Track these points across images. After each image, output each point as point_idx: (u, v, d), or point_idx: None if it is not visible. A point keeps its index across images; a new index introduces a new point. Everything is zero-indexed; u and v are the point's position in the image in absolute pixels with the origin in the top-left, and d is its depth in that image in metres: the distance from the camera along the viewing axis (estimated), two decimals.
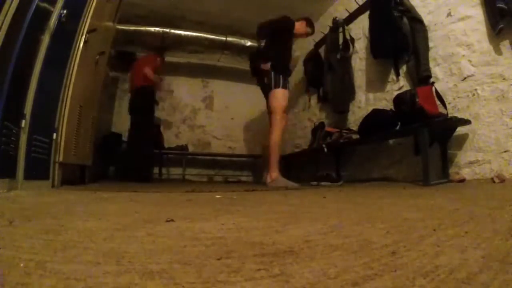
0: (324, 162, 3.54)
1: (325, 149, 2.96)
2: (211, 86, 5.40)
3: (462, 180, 2.02)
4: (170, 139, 4.89)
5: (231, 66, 4.92)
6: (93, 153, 2.63)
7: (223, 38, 4.43)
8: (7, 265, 0.41)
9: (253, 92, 5.53)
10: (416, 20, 2.52)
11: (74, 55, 2.00)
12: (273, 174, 2.74)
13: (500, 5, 1.88)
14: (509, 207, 1.00)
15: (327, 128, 3.21)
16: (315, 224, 0.75)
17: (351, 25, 3.51)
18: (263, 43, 3.14)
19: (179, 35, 4.26)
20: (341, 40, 3.47)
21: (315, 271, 0.41)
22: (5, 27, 1.30)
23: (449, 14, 2.37)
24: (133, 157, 3.56)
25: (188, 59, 4.76)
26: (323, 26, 3.98)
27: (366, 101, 3.25)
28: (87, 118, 2.38)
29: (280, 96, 2.87)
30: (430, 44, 2.49)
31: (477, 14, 2.13)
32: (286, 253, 0.49)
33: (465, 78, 2.21)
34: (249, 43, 4.54)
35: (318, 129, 3.72)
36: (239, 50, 4.53)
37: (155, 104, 4.01)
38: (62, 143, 1.91)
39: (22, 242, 0.53)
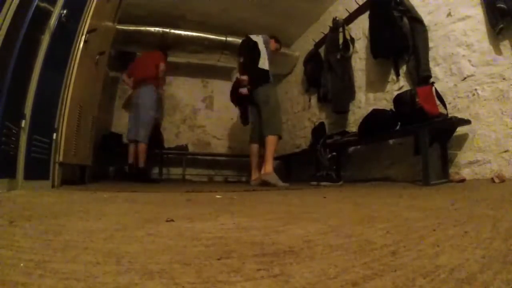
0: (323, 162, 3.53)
1: (330, 155, 2.99)
2: (211, 86, 5.40)
3: (462, 180, 2.02)
4: (170, 139, 4.89)
5: (231, 66, 4.91)
6: (93, 153, 2.63)
7: (223, 38, 4.43)
8: (7, 265, 0.41)
9: None
10: (416, 20, 2.52)
11: (74, 55, 2.00)
12: (268, 168, 2.83)
13: (500, 5, 1.88)
14: (509, 207, 1.00)
15: (328, 141, 3.23)
16: (315, 224, 0.75)
17: (351, 25, 3.51)
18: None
19: (179, 35, 4.26)
20: (341, 40, 3.47)
21: (315, 271, 0.41)
22: (5, 27, 1.30)
23: (449, 14, 2.37)
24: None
25: (188, 59, 4.76)
26: (323, 26, 3.99)
27: (366, 101, 3.25)
28: (87, 118, 2.38)
29: None
30: (430, 44, 2.49)
31: (477, 14, 2.13)
32: (286, 253, 0.49)
33: (465, 78, 2.21)
34: None
35: (318, 129, 3.73)
36: None
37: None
38: (62, 143, 1.90)
39: (22, 242, 0.53)
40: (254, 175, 3.14)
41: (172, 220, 0.76)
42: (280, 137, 3.01)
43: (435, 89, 2.15)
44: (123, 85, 4.73)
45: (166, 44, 4.19)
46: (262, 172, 2.87)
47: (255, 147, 3.22)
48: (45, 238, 0.56)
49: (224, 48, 4.50)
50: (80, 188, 1.96)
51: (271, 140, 2.91)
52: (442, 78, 2.39)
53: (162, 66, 3.73)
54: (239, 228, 0.70)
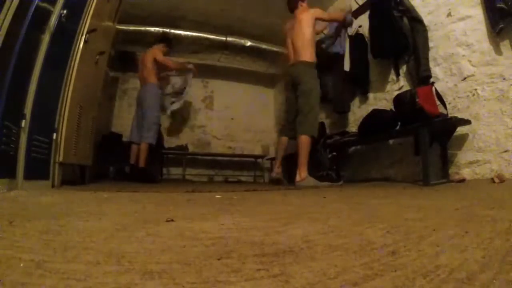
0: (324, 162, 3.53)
1: (330, 155, 2.98)
2: (211, 86, 5.40)
3: (462, 180, 2.02)
4: (170, 139, 4.89)
5: (231, 66, 4.92)
6: (93, 153, 2.63)
7: (223, 38, 4.43)
8: (7, 265, 0.41)
9: (253, 92, 5.58)
10: (416, 20, 2.52)
11: (74, 55, 2.00)
12: (303, 174, 2.69)
13: (500, 5, 1.88)
14: (509, 207, 1.00)
15: (328, 141, 3.22)
16: (315, 224, 0.75)
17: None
18: None
19: (179, 35, 4.26)
20: None
21: (315, 271, 0.41)
22: (5, 27, 1.30)
23: (449, 14, 2.37)
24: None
25: (188, 59, 4.76)
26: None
27: (366, 101, 3.25)
28: (87, 118, 2.38)
29: None
30: (430, 44, 2.49)
31: (477, 14, 2.13)
32: (286, 253, 0.49)
33: (465, 78, 2.21)
34: (249, 43, 4.53)
35: (318, 129, 3.72)
36: (239, 50, 4.53)
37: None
38: (62, 143, 1.90)
39: (22, 242, 0.53)
40: (278, 168, 3.04)
41: (172, 220, 0.76)
42: (313, 137, 2.83)
43: (435, 89, 2.15)
44: (123, 85, 4.74)
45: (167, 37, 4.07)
46: (297, 178, 2.69)
47: (285, 140, 3.05)
48: (45, 238, 0.56)
49: (224, 48, 4.50)
50: (80, 188, 1.96)
51: (305, 141, 2.74)
52: (442, 78, 2.39)
53: (159, 56, 3.59)
54: (239, 228, 0.70)
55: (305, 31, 2.87)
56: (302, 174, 2.68)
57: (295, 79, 2.91)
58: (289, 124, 3.07)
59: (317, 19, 2.93)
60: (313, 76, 2.90)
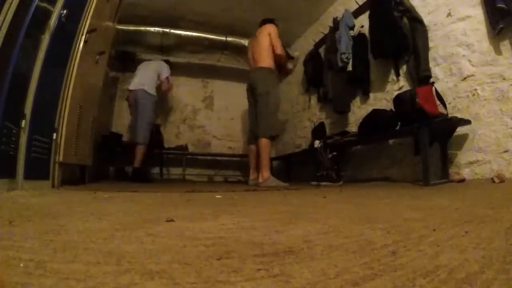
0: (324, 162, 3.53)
1: (330, 155, 2.98)
2: (211, 86, 5.40)
3: (462, 180, 2.02)
4: (170, 139, 4.89)
5: (231, 66, 4.92)
6: (93, 153, 2.63)
7: (223, 38, 4.43)
8: (7, 265, 0.41)
9: None
10: (416, 20, 2.52)
11: (74, 55, 2.00)
12: (265, 174, 2.77)
13: (500, 5, 1.88)
14: (509, 207, 1.00)
15: (328, 141, 3.23)
16: (315, 224, 0.75)
17: None
18: None
19: (179, 35, 4.27)
20: None
21: (315, 271, 0.41)
22: (5, 27, 1.30)
23: (449, 14, 2.37)
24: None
25: (188, 59, 4.76)
26: (323, 26, 3.99)
27: (366, 101, 3.25)
28: (87, 118, 2.38)
29: None
30: (430, 44, 2.49)
31: (477, 14, 2.13)
32: (286, 253, 0.49)
33: (465, 78, 2.21)
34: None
35: (318, 129, 3.73)
36: (239, 50, 4.52)
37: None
38: (62, 143, 1.90)
39: (22, 242, 0.53)
40: (253, 175, 3.13)
41: (172, 220, 0.76)
42: (274, 137, 2.91)
43: (435, 89, 2.15)
44: (123, 85, 4.74)
45: (166, 47, 4.16)
46: (260, 179, 2.78)
47: (253, 148, 3.16)
48: (45, 238, 0.56)
49: (224, 48, 4.50)
50: (80, 188, 1.96)
51: (264, 144, 2.81)
52: (442, 78, 2.39)
53: (164, 79, 3.85)
54: (239, 228, 0.70)
55: (262, 42, 3.09)
56: (264, 174, 2.79)
57: (253, 84, 3.05)
58: (252, 133, 3.16)
59: (268, 34, 3.10)
60: (270, 80, 3.01)
